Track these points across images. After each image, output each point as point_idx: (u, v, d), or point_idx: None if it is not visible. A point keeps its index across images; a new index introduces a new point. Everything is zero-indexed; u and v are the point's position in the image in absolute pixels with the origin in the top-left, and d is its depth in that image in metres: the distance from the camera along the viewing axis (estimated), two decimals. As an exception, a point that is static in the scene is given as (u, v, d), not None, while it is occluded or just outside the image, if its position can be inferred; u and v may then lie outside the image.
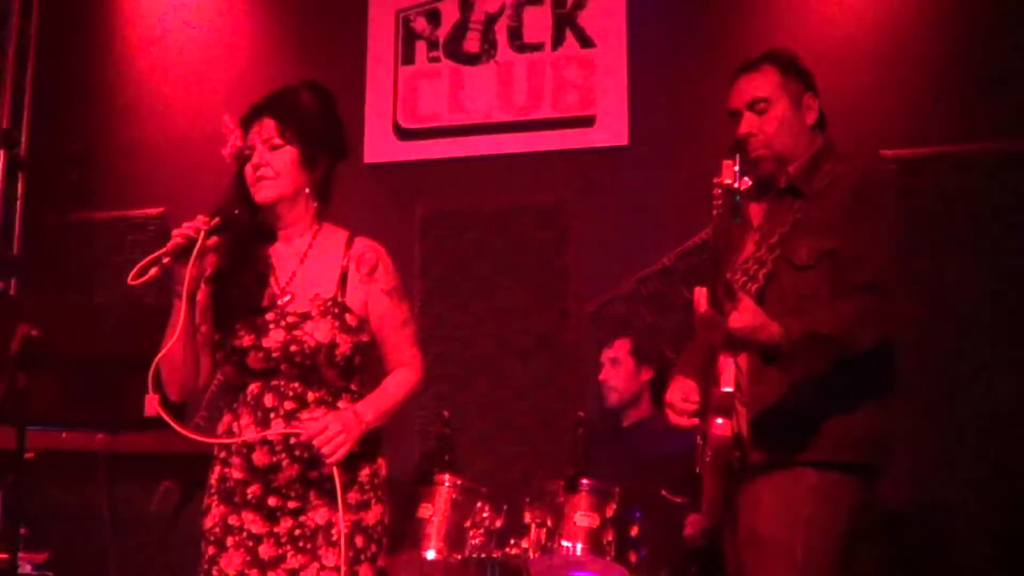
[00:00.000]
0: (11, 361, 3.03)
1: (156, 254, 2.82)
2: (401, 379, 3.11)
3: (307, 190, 3.09)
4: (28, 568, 4.87)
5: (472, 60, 6.13)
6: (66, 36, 6.59)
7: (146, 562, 4.88)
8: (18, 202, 6.69)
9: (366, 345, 3.07)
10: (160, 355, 2.91)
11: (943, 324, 4.97)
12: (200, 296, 3.01)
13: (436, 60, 6.18)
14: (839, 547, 2.94)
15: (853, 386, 2.94)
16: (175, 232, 2.86)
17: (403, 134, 6.16)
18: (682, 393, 3.05)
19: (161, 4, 6.57)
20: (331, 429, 2.90)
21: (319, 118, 3.09)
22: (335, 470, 2.92)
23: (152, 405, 2.88)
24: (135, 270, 2.78)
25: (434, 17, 6.21)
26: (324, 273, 3.07)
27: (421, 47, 6.21)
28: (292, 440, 2.94)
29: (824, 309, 2.91)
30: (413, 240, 5.91)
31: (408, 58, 6.21)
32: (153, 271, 2.82)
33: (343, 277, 3.07)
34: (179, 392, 3.04)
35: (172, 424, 2.86)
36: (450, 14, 6.18)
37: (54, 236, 6.36)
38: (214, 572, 2.98)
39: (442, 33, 6.18)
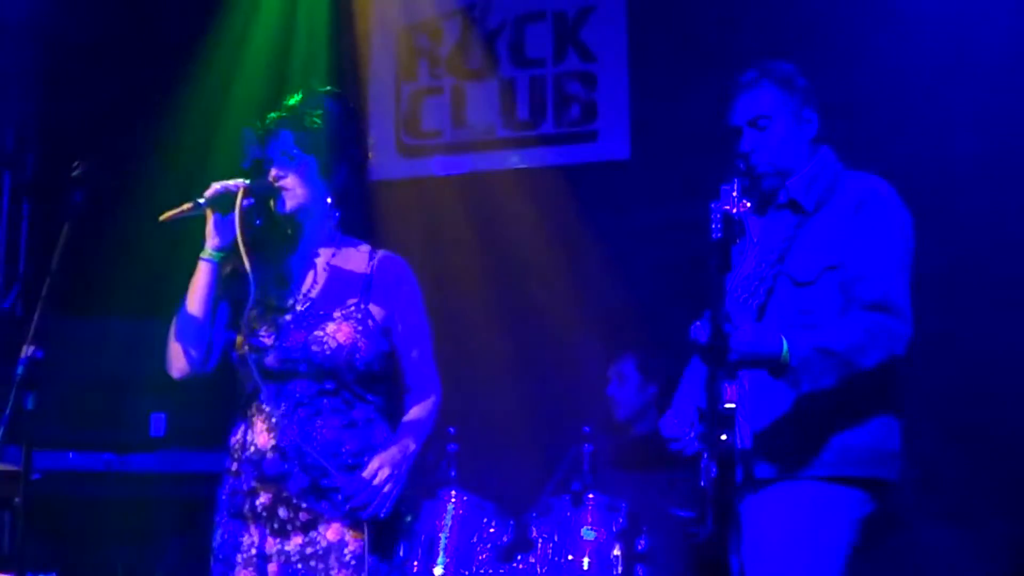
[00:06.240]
0: (16, 382, 3.03)
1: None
2: (424, 405, 3.13)
3: (328, 199, 3.07)
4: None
5: (474, 76, 6.13)
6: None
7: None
8: (24, 223, 6.71)
9: (386, 355, 3.05)
10: (182, 308, 2.97)
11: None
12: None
13: (438, 76, 6.19)
14: (844, 560, 2.95)
15: (859, 400, 2.95)
16: (215, 183, 2.93)
17: (406, 151, 6.18)
18: (676, 419, 3.07)
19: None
20: (380, 476, 2.89)
21: (335, 128, 3.06)
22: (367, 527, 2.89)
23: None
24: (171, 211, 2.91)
25: (436, 34, 6.22)
26: (347, 281, 3.05)
27: (423, 64, 6.23)
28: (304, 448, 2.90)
29: (832, 325, 2.91)
30: (417, 257, 5.90)
31: (410, 75, 6.23)
32: (187, 206, 2.91)
33: (367, 285, 3.05)
34: (183, 365, 3.00)
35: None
36: (452, 31, 6.20)
37: (59, 256, 6.35)
38: None
39: (444, 50, 6.19)
